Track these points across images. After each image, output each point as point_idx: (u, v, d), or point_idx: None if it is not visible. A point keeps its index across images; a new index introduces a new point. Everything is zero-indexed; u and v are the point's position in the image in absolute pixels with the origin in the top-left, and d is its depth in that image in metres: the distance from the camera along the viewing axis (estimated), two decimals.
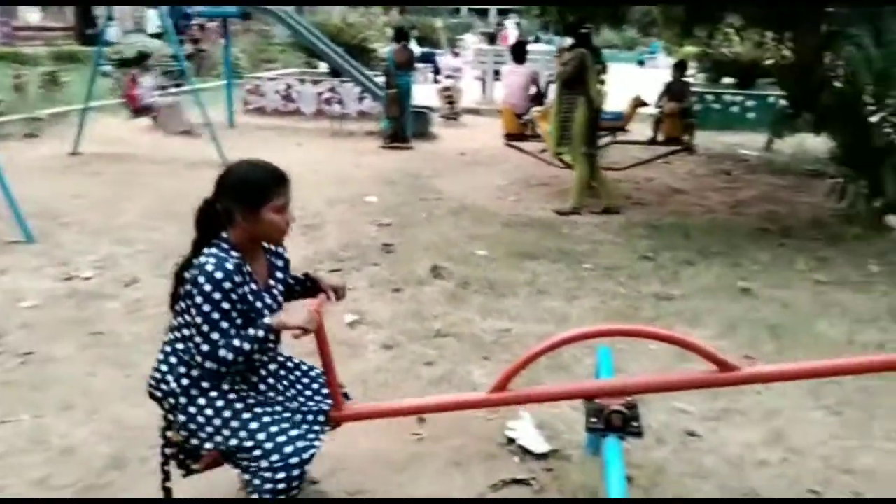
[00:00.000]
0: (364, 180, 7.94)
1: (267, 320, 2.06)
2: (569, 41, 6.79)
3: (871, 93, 5.89)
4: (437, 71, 18.13)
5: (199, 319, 2.01)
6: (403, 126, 10.16)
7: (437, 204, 6.93)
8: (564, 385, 2.25)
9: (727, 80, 13.75)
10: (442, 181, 8.02)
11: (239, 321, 2.05)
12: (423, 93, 12.73)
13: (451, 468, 2.78)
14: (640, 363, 3.60)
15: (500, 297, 4.52)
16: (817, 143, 8.62)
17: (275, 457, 2.04)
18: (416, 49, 14.54)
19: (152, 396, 2.18)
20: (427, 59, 19.12)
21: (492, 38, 20.68)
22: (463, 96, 13.46)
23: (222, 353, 1.99)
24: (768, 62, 10.61)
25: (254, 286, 2.12)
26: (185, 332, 2.10)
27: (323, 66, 13.55)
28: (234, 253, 2.06)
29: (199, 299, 2.00)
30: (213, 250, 2.06)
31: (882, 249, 5.55)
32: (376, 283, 4.72)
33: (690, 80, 14.60)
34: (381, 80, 10.81)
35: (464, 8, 40.62)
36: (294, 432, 2.11)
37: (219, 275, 1.99)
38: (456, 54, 15.97)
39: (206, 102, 9.13)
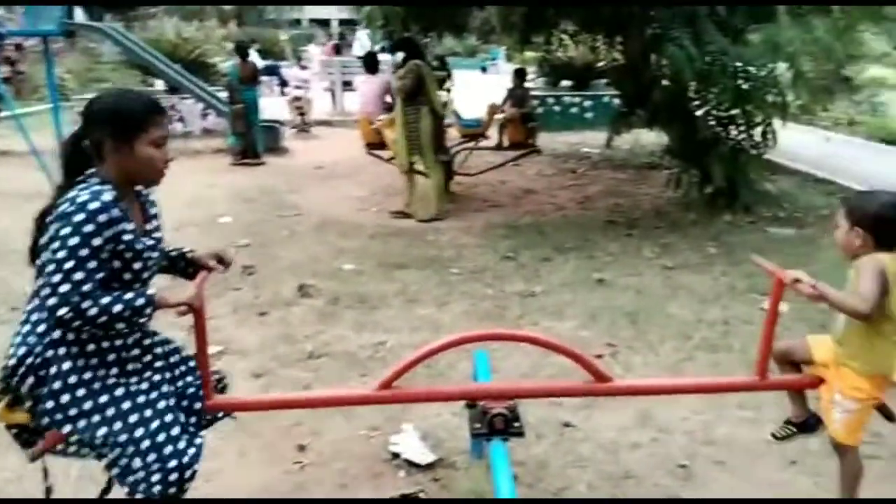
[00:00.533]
0: (216, 200, 7.59)
1: (150, 291, 1.80)
2: (400, 55, 6.89)
3: (694, 90, 6.44)
4: (283, 83, 17.74)
5: (61, 254, 1.67)
6: (253, 141, 9.84)
7: (297, 220, 6.76)
8: (450, 386, 2.26)
9: (565, 82, 14.51)
10: (300, 196, 7.85)
11: (111, 266, 1.76)
12: (271, 106, 12.41)
13: (338, 492, 2.70)
14: (512, 360, 3.69)
15: (373, 310, 4.47)
16: (651, 138, 9.29)
17: (151, 457, 1.81)
18: (259, 62, 14.15)
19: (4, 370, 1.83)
20: (272, 71, 18.68)
21: (337, 49, 20.51)
22: (313, 108, 13.25)
23: (85, 304, 1.68)
24: (602, 64, 11.30)
25: (131, 226, 1.82)
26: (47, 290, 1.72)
27: (160, 84, 12.84)
28: (107, 187, 1.77)
29: (65, 230, 1.68)
30: (85, 185, 1.77)
31: (717, 232, 6.07)
32: (240, 309, 4.52)
33: (531, 84, 15.37)
34: (224, 95, 10.40)
35: (305, 19, 40.13)
36: (175, 430, 1.88)
37: (94, 205, 1.70)
38: (303, 66, 15.69)
39: (32, 128, 8.35)
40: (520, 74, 9.06)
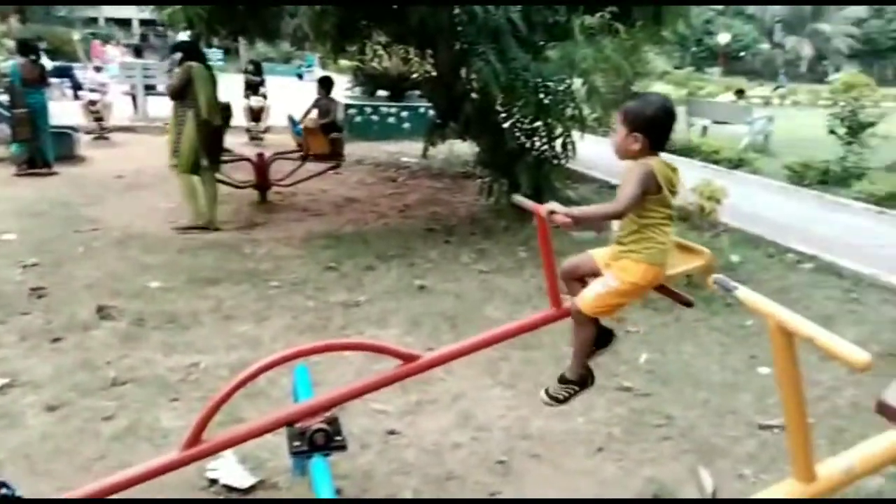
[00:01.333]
0: None
1: None
2: (178, 56, 6.67)
3: (500, 103, 6.79)
4: (77, 86, 16.22)
5: None
6: (42, 149, 8.89)
7: (95, 235, 6.20)
8: (261, 420, 2.15)
9: (382, 92, 14.69)
10: (99, 209, 7.20)
11: None
12: (65, 111, 11.30)
13: None
14: (337, 371, 3.65)
15: (184, 330, 4.20)
16: (465, 148, 9.65)
17: None
18: (47, 63, 12.82)
19: None
20: (63, 73, 17.03)
21: (138, 51, 19.15)
22: (112, 113, 12.25)
23: None
24: (415, 76, 11.57)
25: None
26: None
27: None
28: None
29: None
30: None
31: (526, 237, 6.43)
32: (29, 336, 4.05)
33: (349, 94, 15.37)
34: (4, 98, 9.30)
35: (101, 18, 37.01)
36: None
37: None
38: (98, 68, 14.43)
39: None
40: (324, 84, 8.85)
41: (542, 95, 6.36)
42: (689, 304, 2.72)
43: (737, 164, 10.93)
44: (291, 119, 8.83)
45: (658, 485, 2.86)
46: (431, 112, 13.27)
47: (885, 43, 50.59)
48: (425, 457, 3.01)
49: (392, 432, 3.18)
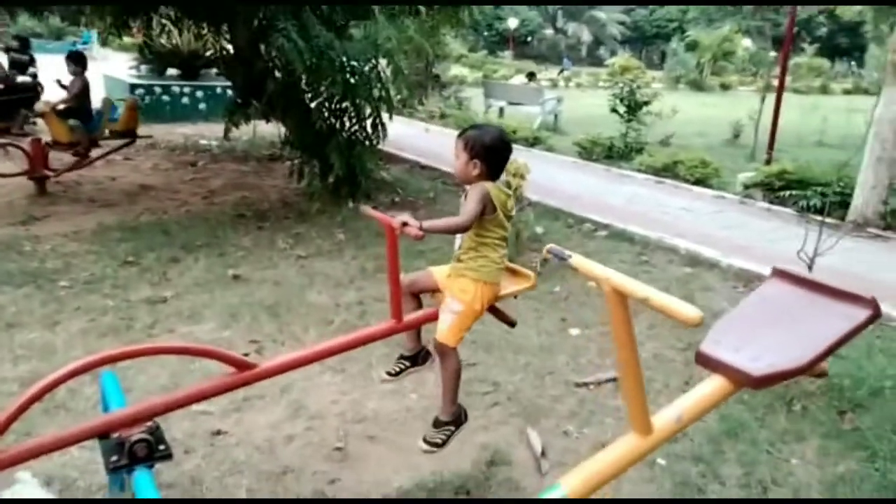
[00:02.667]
0: None
1: None
2: None
3: (306, 82, 6.59)
4: None
5: None
6: None
7: None
8: (65, 431, 1.89)
9: (172, 71, 13.65)
10: None
11: None
12: None
13: None
14: (148, 374, 3.36)
15: None
16: (270, 129, 9.27)
17: None
18: None
19: None
20: None
21: None
22: None
23: None
24: (209, 53, 10.89)
25: None
26: None
27: None
28: None
29: None
30: None
31: (343, 219, 6.34)
32: None
33: (133, 72, 14.08)
34: None
35: None
36: None
37: None
38: None
39: None
40: (77, 60, 7.50)
41: (348, 75, 6.26)
42: (512, 325, 2.86)
43: (532, 142, 11.61)
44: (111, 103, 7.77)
45: (492, 450, 2.96)
46: (230, 92, 12.69)
47: (651, 30, 56.47)
48: (257, 454, 2.86)
49: (218, 433, 2.98)
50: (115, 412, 1.98)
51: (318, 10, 6.06)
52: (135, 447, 1.88)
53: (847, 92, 30.04)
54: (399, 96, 7.28)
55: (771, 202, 7.79)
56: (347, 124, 6.83)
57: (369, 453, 2.94)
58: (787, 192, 7.60)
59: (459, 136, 2.57)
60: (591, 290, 4.82)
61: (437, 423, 2.64)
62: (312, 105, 6.71)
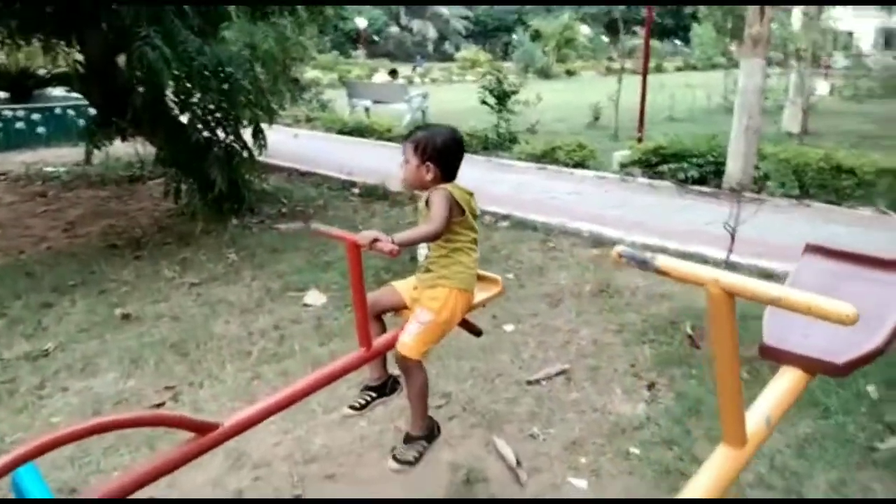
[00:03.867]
0: None
1: None
2: None
3: (175, 93, 6.02)
4: None
5: None
6: None
7: None
8: None
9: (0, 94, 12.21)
10: None
11: None
12: None
13: None
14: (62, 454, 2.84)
15: None
16: (125, 149, 8.44)
17: None
18: None
19: None
20: None
21: None
22: None
23: None
24: (45, 71, 9.79)
25: None
26: None
27: None
28: None
29: None
30: None
31: (231, 238, 5.86)
32: None
33: None
34: None
35: None
36: None
37: None
38: None
39: None
40: None
41: (222, 83, 5.76)
42: (479, 334, 2.67)
43: None
44: None
45: (464, 468, 2.75)
46: (70, 112, 11.53)
47: (492, 24, 58.01)
48: None
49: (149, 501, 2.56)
50: None
51: (181, 13, 5.50)
52: None
53: (679, 69, 32.37)
54: (276, 103, 6.85)
55: (650, 177, 8.09)
56: (224, 135, 6.31)
57: (332, 494, 2.64)
58: (666, 167, 7.92)
59: (407, 139, 2.35)
60: (510, 283, 4.72)
61: (409, 439, 2.41)
62: (184, 117, 6.13)
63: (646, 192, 7.67)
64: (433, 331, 2.29)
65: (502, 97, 11.30)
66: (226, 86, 5.85)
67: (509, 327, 4.08)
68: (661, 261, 1.10)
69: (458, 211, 2.26)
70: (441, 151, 2.29)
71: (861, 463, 2.72)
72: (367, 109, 15.49)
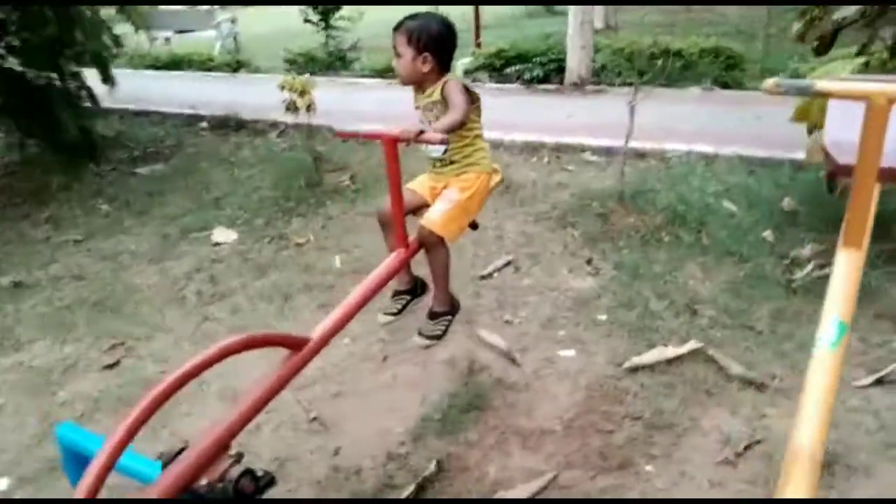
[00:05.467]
0: None
1: None
2: None
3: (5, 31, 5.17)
4: None
5: None
6: None
7: None
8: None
9: None
10: None
11: None
12: None
13: None
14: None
15: None
16: None
17: None
18: None
19: None
20: None
21: None
22: None
23: None
24: None
25: None
26: None
27: None
28: None
29: None
30: None
31: (98, 188, 5.30)
32: None
33: None
34: None
35: None
36: None
37: None
38: None
39: None
40: None
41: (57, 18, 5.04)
42: (476, 227, 2.74)
43: (235, 67, 10.74)
44: None
45: (462, 361, 2.87)
46: None
47: None
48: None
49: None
50: (184, 455, 1.48)
51: None
52: (240, 484, 1.46)
53: None
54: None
55: (497, 81, 8.36)
56: (67, 78, 5.55)
57: (345, 411, 2.67)
58: (512, 69, 8.20)
59: (397, 29, 2.26)
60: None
61: (434, 315, 2.48)
62: (18, 62, 5.28)
63: (497, 95, 7.91)
64: (461, 210, 2.32)
65: (326, 13, 10.88)
66: (66, 20, 5.12)
67: None
68: (820, 84, 1.20)
69: (470, 98, 2.25)
70: (438, 40, 2.23)
71: (784, 291, 3.22)
72: (167, 40, 14.19)
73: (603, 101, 7.22)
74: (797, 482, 1.13)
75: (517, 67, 8.20)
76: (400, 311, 2.52)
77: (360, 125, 2.25)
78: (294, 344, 1.75)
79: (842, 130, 1.66)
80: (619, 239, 3.87)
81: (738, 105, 6.46)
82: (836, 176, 1.61)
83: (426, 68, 2.24)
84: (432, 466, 2.30)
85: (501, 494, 2.19)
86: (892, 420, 2.37)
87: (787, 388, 2.58)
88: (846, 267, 1.40)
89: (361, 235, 4.25)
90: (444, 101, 2.23)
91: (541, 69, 8.05)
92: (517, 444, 2.44)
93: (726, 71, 7.50)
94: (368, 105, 7.70)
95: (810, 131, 3.51)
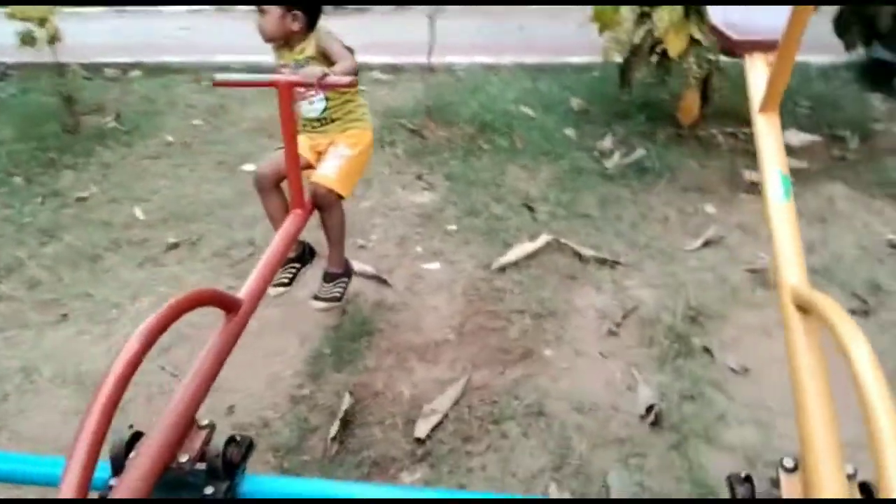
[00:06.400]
0: None
1: None
2: None
3: None
4: None
5: None
6: None
7: None
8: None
9: None
10: None
11: None
12: None
13: None
14: None
15: None
16: None
17: None
18: None
19: None
20: None
21: None
22: None
23: None
24: None
25: None
26: None
27: None
28: None
29: None
30: None
31: None
32: None
33: None
34: None
35: None
36: None
37: None
38: None
39: None
40: None
41: None
42: None
43: None
44: None
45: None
46: None
47: None
48: None
49: None
50: (148, 436, 1.22)
51: None
52: (229, 454, 1.26)
53: None
54: None
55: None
56: None
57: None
58: None
59: None
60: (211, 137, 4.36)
61: (331, 277, 2.42)
62: None
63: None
64: (354, 164, 2.25)
65: None
66: None
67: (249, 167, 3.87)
68: None
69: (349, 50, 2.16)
70: None
71: (602, 179, 3.53)
72: None
73: (364, 19, 7.08)
74: (792, 308, 1.25)
75: None
76: (291, 281, 2.43)
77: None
78: (229, 304, 1.52)
79: (725, 12, 1.83)
80: (441, 152, 3.91)
81: (498, 17, 6.74)
82: (734, 51, 1.77)
83: (296, 25, 2.10)
84: (347, 398, 2.21)
85: (427, 407, 2.17)
86: (727, 272, 2.77)
87: (634, 262, 2.88)
88: (769, 128, 1.56)
89: (156, 181, 3.80)
90: (321, 56, 2.10)
91: None
92: (416, 359, 2.43)
93: None
94: (102, 37, 6.69)
95: (601, 31, 3.80)
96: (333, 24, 2.29)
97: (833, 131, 3.84)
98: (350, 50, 2.18)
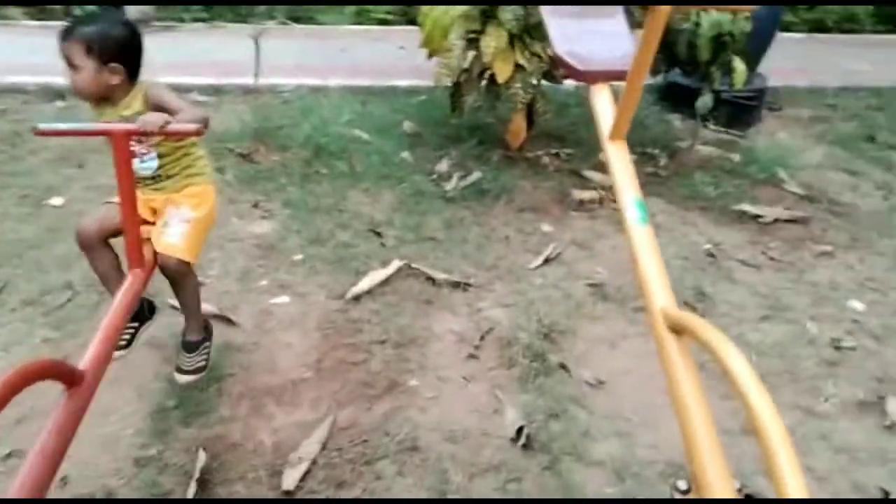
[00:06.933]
0: None
1: None
2: None
3: None
4: None
5: None
6: None
7: None
8: None
9: None
10: None
11: None
12: None
13: None
14: None
15: None
16: None
17: None
18: None
19: None
20: None
21: None
22: None
23: None
24: None
25: None
26: None
27: None
28: None
29: None
30: None
31: None
32: None
33: None
34: None
35: None
36: None
37: None
38: None
39: None
40: None
41: None
42: None
43: None
44: None
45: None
46: None
47: None
48: None
49: None
50: None
51: None
52: None
53: None
54: None
55: (39, 19, 6.98)
56: None
57: None
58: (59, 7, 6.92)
59: (67, 38, 1.82)
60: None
61: (192, 346, 2.24)
62: None
63: (39, 33, 6.66)
64: (201, 227, 2.07)
65: None
66: None
67: (57, 200, 3.45)
68: None
69: None
70: (126, 47, 1.87)
71: (444, 202, 3.57)
72: None
73: (176, 37, 6.66)
74: (665, 331, 1.32)
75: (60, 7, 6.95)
76: (130, 342, 2.21)
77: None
78: (70, 377, 1.32)
79: (568, 44, 1.91)
80: (276, 178, 3.75)
81: (319, 39, 6.64)
82: (578, 80, 1.84)
83: (115, 80, 1.88)
84: (202, 455, 2.01)
85: (292, 455, 2.04)
86: (569, 287, 2.90)
87: (485, 283, 2.93)
88: (619, 155, 1.65)
89: None
90: (155, 111, 1.85)
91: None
92: (274, 403, 2.29)
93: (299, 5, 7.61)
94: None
95: (430, 57, 3.86)
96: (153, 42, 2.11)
97: (644, 149, 4.20)
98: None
